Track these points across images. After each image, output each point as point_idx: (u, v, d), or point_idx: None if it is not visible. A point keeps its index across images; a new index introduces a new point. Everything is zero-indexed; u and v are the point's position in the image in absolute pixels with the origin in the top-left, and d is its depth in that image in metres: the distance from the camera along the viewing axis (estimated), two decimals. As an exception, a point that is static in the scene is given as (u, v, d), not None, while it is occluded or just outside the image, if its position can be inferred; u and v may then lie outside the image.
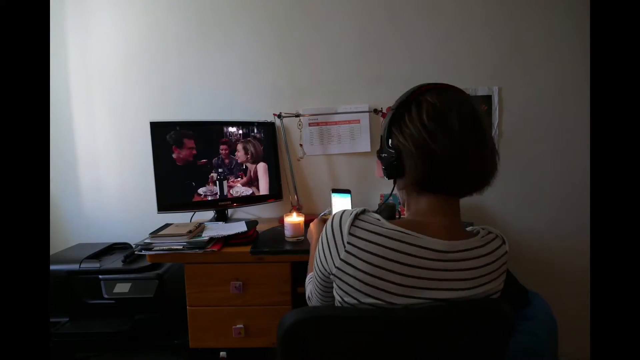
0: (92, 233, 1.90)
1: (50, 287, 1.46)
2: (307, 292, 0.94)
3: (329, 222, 0.75)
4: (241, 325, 1.38)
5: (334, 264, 0.71)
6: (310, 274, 0.97)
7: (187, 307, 1.38)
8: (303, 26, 1.80)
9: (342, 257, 0.70)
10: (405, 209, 0.81)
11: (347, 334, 0.68)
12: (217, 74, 1.84)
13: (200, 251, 1.33)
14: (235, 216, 1.84)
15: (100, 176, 1.90)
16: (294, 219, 1.43)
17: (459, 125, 0.67)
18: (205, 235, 1.40)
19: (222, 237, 1.40)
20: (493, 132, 1.79)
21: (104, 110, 1.88)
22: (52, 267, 1.48)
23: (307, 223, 1.63)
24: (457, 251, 0.69)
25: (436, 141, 0.67)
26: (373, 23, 1.78)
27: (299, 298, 1.45)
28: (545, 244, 1.83)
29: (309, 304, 0.92)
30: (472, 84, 1.78)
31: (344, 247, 0.70)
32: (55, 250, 1.71)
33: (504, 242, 0.76)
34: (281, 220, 1.59)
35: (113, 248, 1.73)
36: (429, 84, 0.74)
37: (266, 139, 1.76)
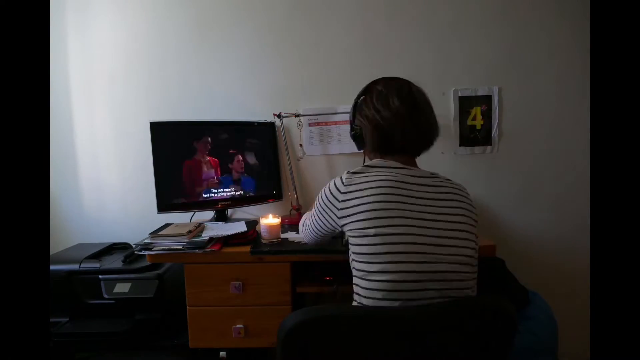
0: (92, 233, 1.90)
1: (50, 287, 1.46)
2: (302, 221, 1.21)
3: (321, 192, 0.99)
4: (241, 325, 1.37)
5: (337, 215, 0.92)
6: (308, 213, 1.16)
7: (187, 307, 1.38)
8: (303, 26, 1.80)
9: (341, 200, 0.91)
10: None
11: (349, 333, 0.68)
12: (217, 74, 1.84)
13: (200, 251, 1.33)
14: (235, 216, 1.84)
15: (100, 176, 1.90)
16: (270, 220, 1.41)
17: (397, 103, 0.95)
18: (205, 235, 1.40)
19: (222, 237, 1.40)
20: (493, 132, 1.79)
21: (104, 110, 1.88)
22: (52, 267, 1.48)
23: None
24: (427, 177, 0.95)
25: (381, 116, 0.96)
26: (373, 23, 1.78)
27: (299, 298, 1.45)
28: (545, 244, 1.83)
29: (300, 230, 1.24)
30: (472, 84, 1.78)
31: (341, 194, 0.91)
32: (55, 250, 1.71)
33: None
34: (282, 220, 1.59)
35: (113, 248, 1.73)
36: (384, 77, 1.05)
37: (266, 139, 1.76)
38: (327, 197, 0.95)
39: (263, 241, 1.40)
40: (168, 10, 1.82)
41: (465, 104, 1.79)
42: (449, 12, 1.76)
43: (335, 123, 1.81)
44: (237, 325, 1.37)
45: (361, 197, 0.87)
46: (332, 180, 0.96)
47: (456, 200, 0.90)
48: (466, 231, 0.86)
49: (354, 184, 0.90)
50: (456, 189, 0.94)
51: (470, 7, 1.75)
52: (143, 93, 1.85)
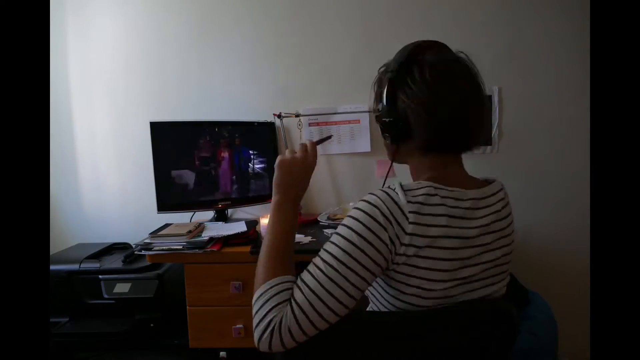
0: (92, 233, 1.90)
1: (50, 287, 1.46)
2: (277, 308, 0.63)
3: (363, 204, 0.65)
4: (241, 325, 1.37)
5: (399, 245, 0.63)
6: (279, 278, 0.67)
7: (187, 307, 1.38)
8: (303, 26, 1.80)
9: (409, 231, 0.62)
10: (415, 174, 0.80)
11: (348, 336, 0.67)
12: (217, 74, 1.84)
13: (200, 251, 1.33)
14: (235, 216, 1.84)
15: (100, 176, 1.90)
16: None
17: (460, 84, 0.71)
18: (205, 235, 1.40)
19: (222, 237, 1.40)
20: (493, 132, 1.79)
21: (104, 110, 1.88)
22: (52, 267, 1.48)
23: (304, 224, 1.63)
24: (486, 197, 0.71)
25: (441, 100, 0.69)
26: (373, 23, 1.78)
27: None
28: (545, 244, 1.83)
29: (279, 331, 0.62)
30: (472, 84, 1.78)
31: (407, 219, 0.63)
32: (55, 250, 1.71)
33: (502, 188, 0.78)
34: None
35: (113, 248, 1.73)
36: (423, 42, 0.79)
37: (266, 139, 1.76)
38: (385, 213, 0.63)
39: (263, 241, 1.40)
40: (168, 11, 1.82)
41: (465, 104, 1.79)
42: (449, 12, 1.76)
43: (335, 123, 1.81)
44: (237, 325, 1.37)
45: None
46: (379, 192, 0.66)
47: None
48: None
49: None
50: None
51: (470, 7, 1.75)
52: (143, 93, 1.85)
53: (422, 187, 0.66)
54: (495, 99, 1.77)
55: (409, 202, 0.64)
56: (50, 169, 1.65)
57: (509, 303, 0.70)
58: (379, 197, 0.65)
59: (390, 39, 1.77)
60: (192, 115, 1.81)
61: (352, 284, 0.62)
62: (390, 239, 0.63)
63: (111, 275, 1.50)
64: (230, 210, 1.79)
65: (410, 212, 0.63)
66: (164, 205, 1.56)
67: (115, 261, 1.57)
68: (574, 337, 1.68)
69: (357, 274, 0.62)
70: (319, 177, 1.86)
